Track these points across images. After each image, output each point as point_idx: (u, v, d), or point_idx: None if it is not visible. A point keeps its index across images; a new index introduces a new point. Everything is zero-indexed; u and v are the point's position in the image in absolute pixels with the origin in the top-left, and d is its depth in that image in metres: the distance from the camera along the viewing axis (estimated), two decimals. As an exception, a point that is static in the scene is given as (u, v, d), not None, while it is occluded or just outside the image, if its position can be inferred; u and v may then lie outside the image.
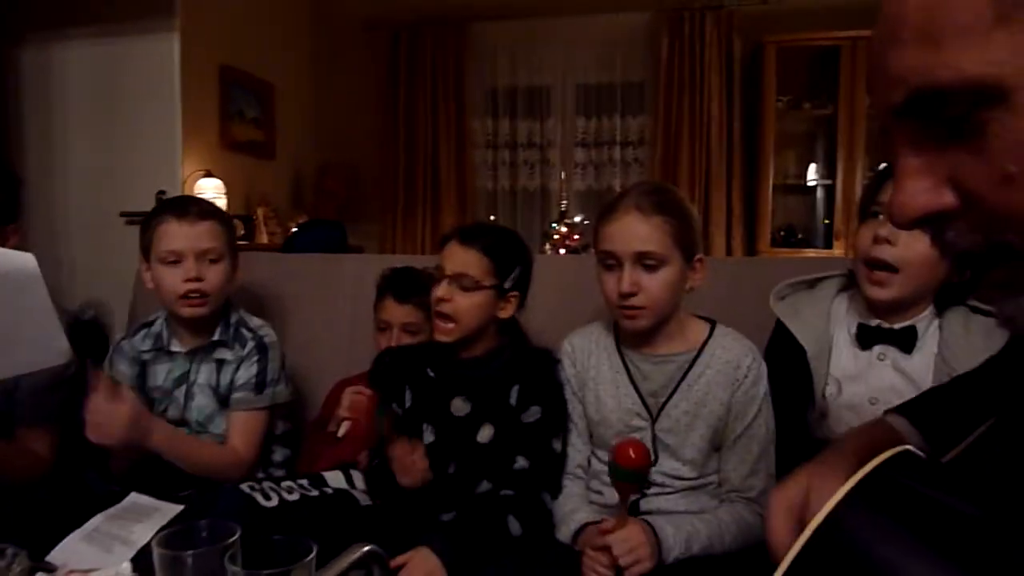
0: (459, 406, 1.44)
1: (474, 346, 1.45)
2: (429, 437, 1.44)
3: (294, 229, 4.05)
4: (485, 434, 1.42)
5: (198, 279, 1.54)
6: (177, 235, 1.55)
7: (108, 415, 1.37)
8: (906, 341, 1.32)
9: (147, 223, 1.61)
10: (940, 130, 0.45)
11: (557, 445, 1.42)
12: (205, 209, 1.61)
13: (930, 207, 0.47)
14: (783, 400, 1.37)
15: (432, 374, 1.47)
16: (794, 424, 1.37)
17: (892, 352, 1.33)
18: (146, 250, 1.59)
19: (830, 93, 4.14)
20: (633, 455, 1.19)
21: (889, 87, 0.46)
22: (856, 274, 1.36)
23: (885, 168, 1.39)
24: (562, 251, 3.90)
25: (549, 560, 1.33)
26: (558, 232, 4.04)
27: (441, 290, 1.39)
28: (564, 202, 4.49)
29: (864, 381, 1.34)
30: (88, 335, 1.41)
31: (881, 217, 1.28)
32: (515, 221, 4.74)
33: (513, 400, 1.42)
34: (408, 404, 1.48)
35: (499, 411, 1.42)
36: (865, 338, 1.35)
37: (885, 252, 1.26)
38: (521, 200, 4.82)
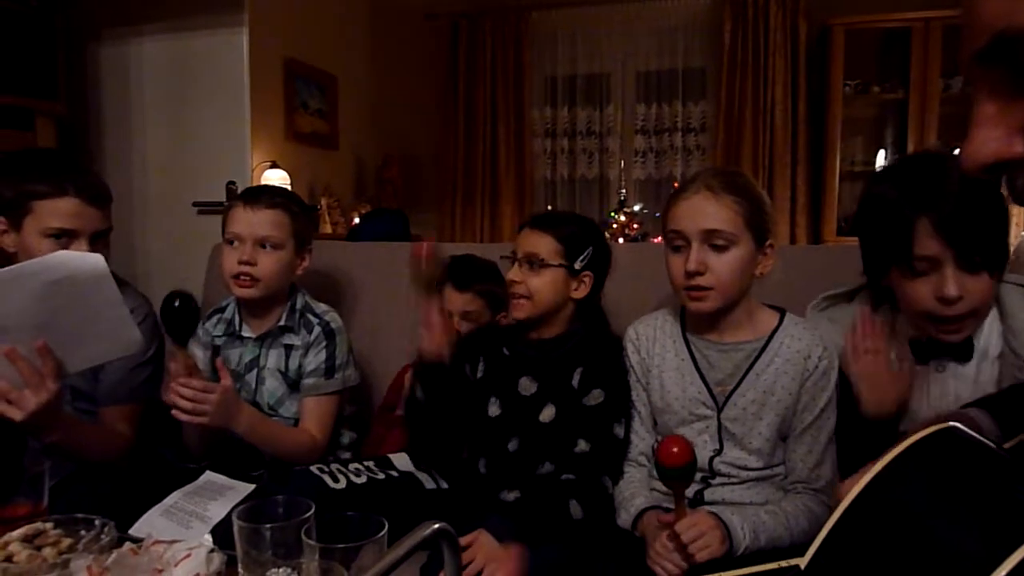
0: (526, 385, 1.47)
1: (548, 327, 1.48)
2: (495, 411, 1.48)
3: (356, 220, 4.11)
4: (547, 414, 1.44)
5: (250, 263, 1.61)
6: (240, 219, 1.63)
7: (201, 396, 1.43)
8: (962, 352, 1.26)
9: (226, 206, 1.71)
10: (1019, 80, 0.47)
11: (619, 430, 1.42)
12: (274, 200, 1.66)
13: (999, 155, 0.49)
14: (851, 416, 1.31)
15: (506, 352, 1.51)
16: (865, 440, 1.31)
17: (950, 364, 1.28)
18: (222, 231, 1.68)
19: (901, 77, 4.00)
20: (676, 451, 1.14)
21: (976, 33, 0.48)
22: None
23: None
24: (620, 240, 3.88)
25: (609, 544, 1.33)
26: (617, 221, 4.01)
27: (512, 272, 1.45)
28: (623, 191, 4.46)
29: (926, 395, 1.29)
30: (177, 318, 1.49)
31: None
32: (574, 210, 4.69)
33: (575, 382, 1.44)
34: (479, 375, 1.52)
35: (562, 392, 1.44)
36: (920, 352, 1.29)
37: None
38: (580, 189, 4.79)
